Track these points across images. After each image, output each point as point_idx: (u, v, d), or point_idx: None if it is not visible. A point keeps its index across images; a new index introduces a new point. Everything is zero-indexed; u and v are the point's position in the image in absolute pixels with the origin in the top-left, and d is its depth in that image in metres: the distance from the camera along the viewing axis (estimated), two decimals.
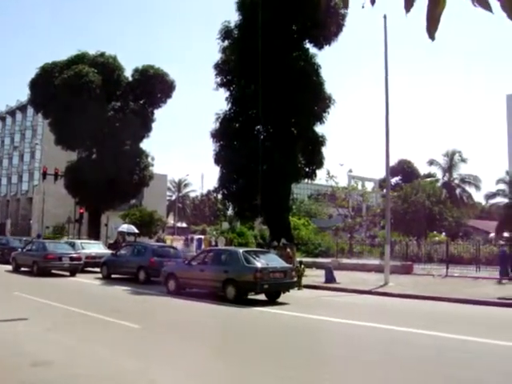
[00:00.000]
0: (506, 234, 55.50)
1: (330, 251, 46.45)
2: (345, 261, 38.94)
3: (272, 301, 19.53)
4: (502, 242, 34.95)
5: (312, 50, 33.19)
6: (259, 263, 19.42)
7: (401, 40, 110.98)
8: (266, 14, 29.98)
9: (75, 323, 13.78)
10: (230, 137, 32.89)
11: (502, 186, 74.38)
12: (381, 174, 74.01)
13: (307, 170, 34.50)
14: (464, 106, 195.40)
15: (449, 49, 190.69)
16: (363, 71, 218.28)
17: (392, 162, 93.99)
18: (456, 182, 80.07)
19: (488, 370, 9.64)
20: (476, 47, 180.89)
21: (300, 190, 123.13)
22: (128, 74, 53.63)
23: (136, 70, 53.34)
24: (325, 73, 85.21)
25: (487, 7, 2.71)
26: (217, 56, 33.83)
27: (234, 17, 33.27)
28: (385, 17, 27.22)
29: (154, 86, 52.25)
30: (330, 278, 26.80)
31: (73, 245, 32.67)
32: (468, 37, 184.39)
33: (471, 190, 79.72)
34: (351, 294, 23.51)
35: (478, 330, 13.61)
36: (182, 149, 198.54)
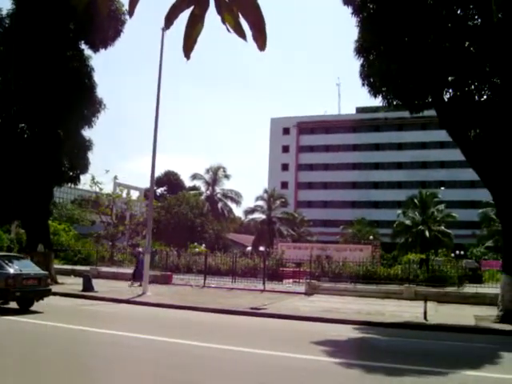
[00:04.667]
0: (261, 248, 58.89)
1: (91, 259, 45.35)
2: (105, 269, 38.32)
3: (25, 309, 18.48)
4: (139, 250, 37.34)
5: (87, 51, 32.24)
6: (12, 269, 18.24)
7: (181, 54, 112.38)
8: (41, 7, 28.45)
9: None
10: None
11: (261, 203, 79.03)
12: (147, 183, 74.23)
13: (71, 174, 33.27)
14: (234, 126, 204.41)
15: (223, 72, 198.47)
16: (141, 78, 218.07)
17: (159, 173, 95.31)
18: (218, 196, 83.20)
19: (206, 372, 10.25)
20: (248, 71, 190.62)
21: (63, 194, 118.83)
22: None
23: None
24: (100, 76, 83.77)
25: (242, 35, 2.83)
26: None
27: (7, 4, 31.02)
28: (163, 29, 27.45)
29: None
30: (88, 287, 26.17)
31: None
32: (242, 61, 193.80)
33: (232, 205, 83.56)
34: (109, 302, 23.17)
35: (219, 338, 14.29)
36: None
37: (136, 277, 31.84)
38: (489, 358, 12.73)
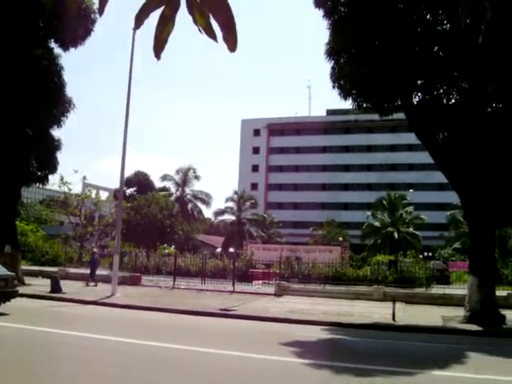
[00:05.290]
0: (231, 249, 58.85)
1: (59, 260, 44.89)
2: (73, 270, 37.95)
3: None
4: (95, 250, 37.58)
5: (57, 50, 31.79)
6: None
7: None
8: (9, 3, 28.01)
9: None
10: None
11: (230, 204, 78.94)
12: (117, 184, 73.69)
13: (39, 173, 32.88)
14: (205, 127, 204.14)
15: (193, 73, 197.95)
16: (111, 77, 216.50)
17: (128, 174, 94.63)
18: (188, 197, 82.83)
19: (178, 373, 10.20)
20: (219, 72, 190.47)
21: (31, 194, 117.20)
22: None
23: None
24: (70, 75, 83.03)
25: (212, 36, 2.82)
26: None
27: None
28: (134, 28, 27.24)
29: None
30: (56, 288, 25.90)
31: None
32: (212, 62, 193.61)
33: (202, 206, 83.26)
34: (77, 304, 22.95)
35: (186, 339, 14.27)
36: None
37: (91, 276, 32.92)
38: (456, 358, 12.89)
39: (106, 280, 31.00)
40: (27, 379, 9.38)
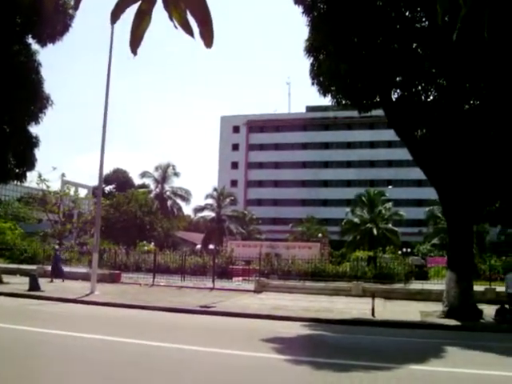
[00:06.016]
0: (211, 246, 58.79)
1: (37, 258, 44.48)
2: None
3: None
4: (56, 247, 37.74)
5: (34, 46, 31.44)
6: None
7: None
8: None
9: None
10: None
11: (210, 201, 78.86)
12: (95, 181, 73.28)
13: (17, 171, 32.52)
14: (184, 124, 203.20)
15: (172, 69, 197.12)
16: (90, 76, 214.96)
17: (107, 171, 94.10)
18: (168, 194, 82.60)
19: (156, 370, 10.29)
20: (197, 69, 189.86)
21: (9, 192, 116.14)
22: None
23: None
24: (48, 71, 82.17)
25: (189, 32, 2.81)
26: None
27: None
28: (111, 23, 26.92)
29: None
30: (34, 286, 25.64)
31: None
32: (191, 58, 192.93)
33: (182, 202, 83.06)
34: (56, 302, 22.75)
35: (166, 336, 14.21)
36: None
37: (56, 273, 32.42)
38: (434, 353, 13.01)
39: (85, 278, 30.75)
40: (7, 378, 9.29)
